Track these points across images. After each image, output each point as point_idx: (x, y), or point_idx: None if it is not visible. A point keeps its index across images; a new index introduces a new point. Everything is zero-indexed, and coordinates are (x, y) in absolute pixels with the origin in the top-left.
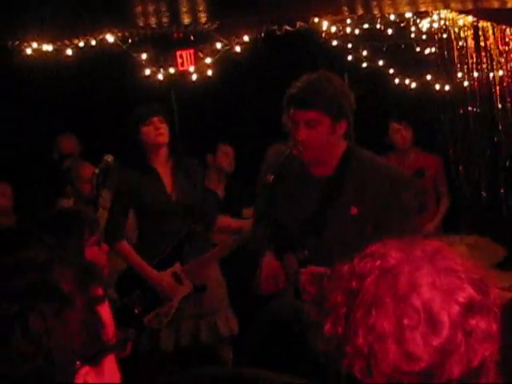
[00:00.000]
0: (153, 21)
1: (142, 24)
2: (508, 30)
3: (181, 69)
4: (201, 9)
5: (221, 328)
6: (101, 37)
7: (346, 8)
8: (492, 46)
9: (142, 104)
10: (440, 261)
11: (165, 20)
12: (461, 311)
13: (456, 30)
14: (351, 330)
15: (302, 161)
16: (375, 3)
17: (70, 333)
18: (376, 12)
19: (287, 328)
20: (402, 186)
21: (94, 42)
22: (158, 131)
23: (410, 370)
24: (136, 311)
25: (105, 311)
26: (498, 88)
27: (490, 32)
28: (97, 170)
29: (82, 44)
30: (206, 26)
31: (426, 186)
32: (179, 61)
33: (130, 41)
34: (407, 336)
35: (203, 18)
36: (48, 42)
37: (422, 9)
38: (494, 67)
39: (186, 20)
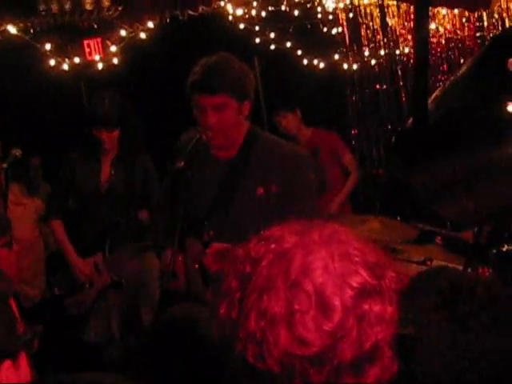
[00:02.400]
0: (55, 8)
1: (43, 10)
2: (412, 6)
3: (89, 58)
4: None
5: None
6: (2, 28)
7: None
8: (397, 24)
9: (99, 106)
10: (335, 245)
11: (67, 6)
12: (353, 296)
13: (362, 8)
14: (243, 315)
15: (208, 145)
16: None
17: None
18: None
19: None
20: (305, 165)
21: None
22: (105, 141)
23: (302, 354)
24: (56, 291)
25: (14, 306)
26: (404, 65)
27: (395, 10)
28: (5, 165)
29: None
30: (109, 13)
31: (324, 164)
32: (87, 50)
33: (32, 31)
34: (298, 320)
35: (105, 2)
36: None
37: None
38: (400, 45)
39: (89, 6)
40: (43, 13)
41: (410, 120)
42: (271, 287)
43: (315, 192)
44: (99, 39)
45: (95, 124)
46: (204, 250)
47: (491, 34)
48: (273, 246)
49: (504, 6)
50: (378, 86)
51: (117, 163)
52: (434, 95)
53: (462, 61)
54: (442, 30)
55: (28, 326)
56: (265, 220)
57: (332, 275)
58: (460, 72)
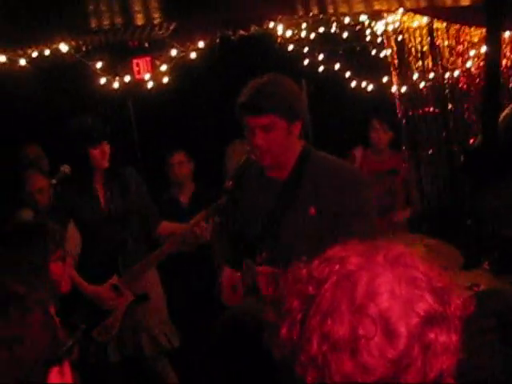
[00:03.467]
0: (106, 22)
1: (94, 25)
2: (462, 29)
3: (137, 77)
4: (154, 7)
5: (162, 340)
6: (54, 46)
7: (300, 8)
8: (446, 47)
9: (88, 123)
10: (401, 268)
11: (118, 20)
12: (420, 323)
13: (411, 31)
14: (305, 338)
15: (259, 165)
16: (329, 1)
17: (34, 335)
18: (331, 11)
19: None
20: (359, 185)
21: (47, 52)
22: (104, 156)
23: (364, 381)
24: (83, 326)
25: (53, 312)
26: (455, 88)
27: (445, 32)
28: (54, 181)
29: (35, 54)
30: (161, 33)
31: (397, 187)
32: (136, 69)
33: (84, 49)
34: (362, 347)
35: (157, 18)
36: (1, 53)
37: (376, 7)
38: (449, 68)
39: (140, 21)
40: (95, 29)
41: (479, 139)
42: (335, 310)
43: (371, 211)
44: (148, 58)
45: (93, 140)
46: (257, 272)
47: None
48: (337, 267)
49: None
50: (426, 109)
51: (111, 180)
52: (503, 114)
53: None
54: None
55: (67, 332)
56: (318, 241)
57: (398, 300)
58: None
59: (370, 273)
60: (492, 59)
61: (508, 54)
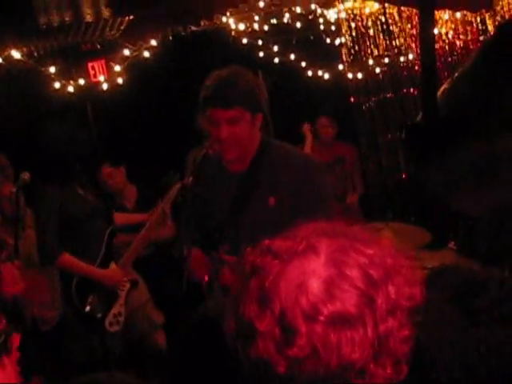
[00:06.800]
0: (55, 18)
1: (44, 24)
2: (414, 12)
3: (93, 80)
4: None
5: (154, 317)
6: (6, 53)
7: None
8: (400, 31)
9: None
10: (332, 265)
11: (67, 18)
12: (323, 324)
13: (364, 18)
14: (226, 319)
15: (218, 159)
16: None
17: None
18: None
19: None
20: (315, 171)
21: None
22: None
23: (265, 371)
24: (99, 315)
25: None
26: (411, 71)
27: (397, 17)
28: (14, 189)
29: None
30: (112, 33)
31: (346, 174)
32: (91, 72)
33: (36, 55)
34: (259, 339)
35: (106, 12)
36: None
37: None
38: (403, 52)
39: (89, 17)
40: (44, 26)
41: (420, 115)
42: (247, 296)
43: (329, 199)
44: (103, 61)
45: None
46: (220, 266)
47: None
48: (268, 255)
49: (506, 8)
50: (383, 95)
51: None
52: (442, 88)
53: None
54: (444, 34)
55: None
56: (278, 230)
57: (304, 298)
58: (466, 63)
59: (289, 264)
60: (427, 35)
61: (461, 35)
